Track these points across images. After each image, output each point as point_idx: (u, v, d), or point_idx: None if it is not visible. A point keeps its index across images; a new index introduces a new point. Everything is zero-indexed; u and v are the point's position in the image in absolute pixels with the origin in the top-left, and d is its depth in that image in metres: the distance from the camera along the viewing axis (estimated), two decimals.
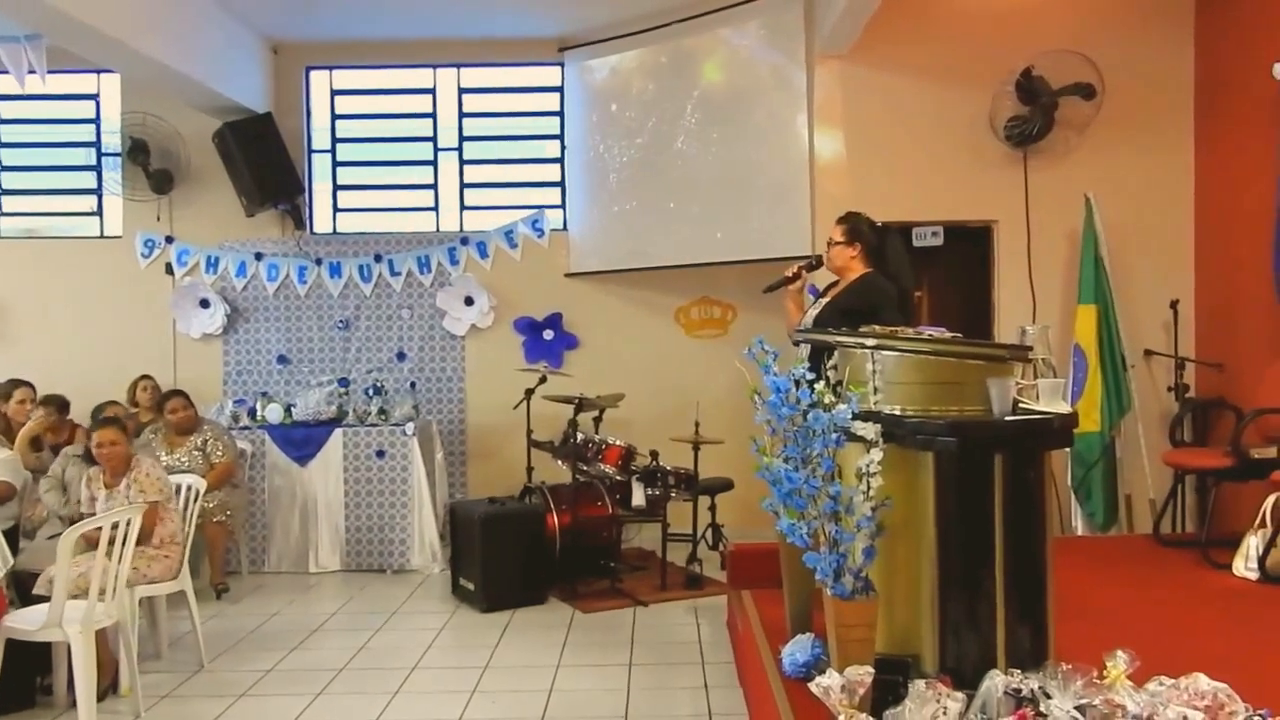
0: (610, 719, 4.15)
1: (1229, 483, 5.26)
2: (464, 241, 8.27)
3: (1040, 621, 2.87)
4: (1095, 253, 6.40)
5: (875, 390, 2.88)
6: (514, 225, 8.27)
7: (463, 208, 8.47)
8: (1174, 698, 2.44)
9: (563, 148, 8.36)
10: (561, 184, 8.39)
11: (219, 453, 6.45)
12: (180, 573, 4.90)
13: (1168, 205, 6.75)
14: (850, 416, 2.77)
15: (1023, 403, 2.91)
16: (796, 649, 3.35)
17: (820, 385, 2.85)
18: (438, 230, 8.41)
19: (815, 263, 4.63)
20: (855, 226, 4.35)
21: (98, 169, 8.40)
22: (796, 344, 4.37)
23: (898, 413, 2.90)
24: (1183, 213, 6.76)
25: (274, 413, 7.38)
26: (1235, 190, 6.26)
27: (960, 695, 2.58)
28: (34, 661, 4.36)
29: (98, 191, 8.43)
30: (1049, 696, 2.45)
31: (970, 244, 6.96)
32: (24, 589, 4.61)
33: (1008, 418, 2.83)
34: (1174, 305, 6.57)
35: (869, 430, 2.75)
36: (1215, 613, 4.29)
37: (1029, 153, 6.71)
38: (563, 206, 8.37)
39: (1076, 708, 2.37)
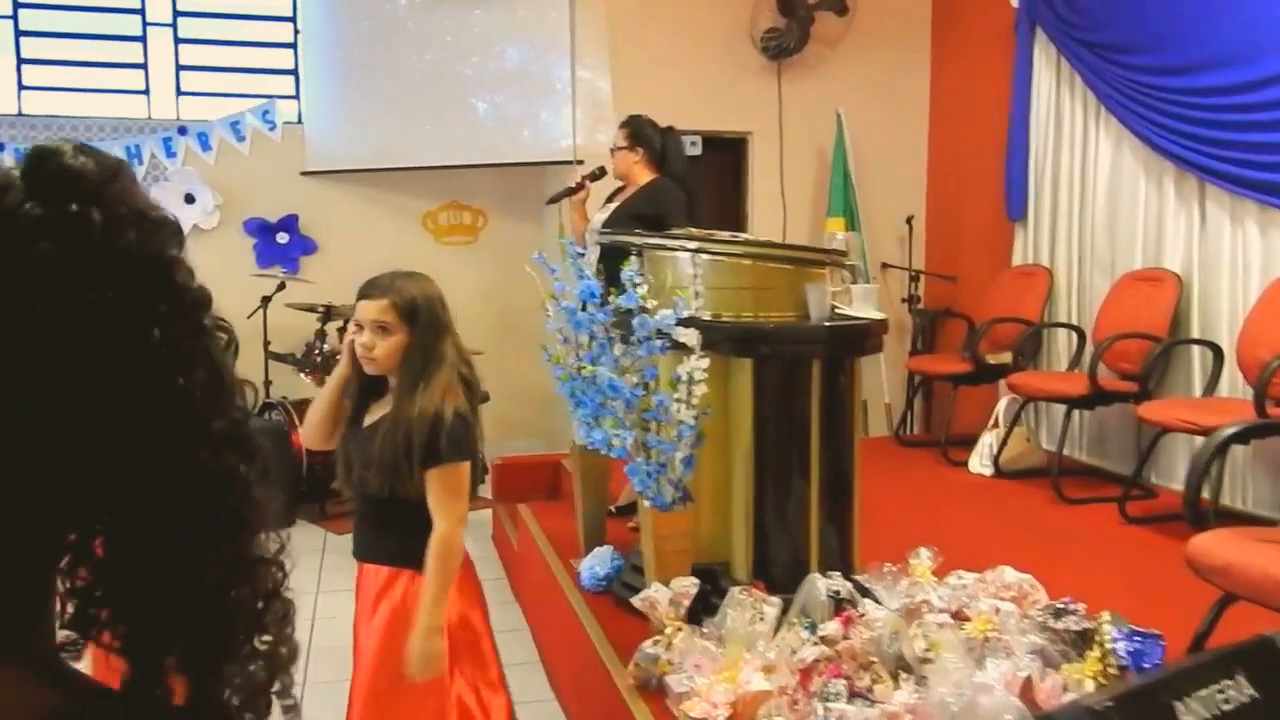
0: None
1: (964, 386, 5.66)
2: (182, 131, 7.39)
3: (847, 525, 2.94)
4: (845, 168, 6.63)
5: (696, 295, 2.79)
6: (241, 116, 7.48)
7: (179, 93, 7.57)
8: (981, 591, 2.57)
9: (296, 32, 7.62)
10: (295, 72, 7.67)
11: None
12: None
13: (905, 124, 7.08)
14: (674, 322, 2.66)
15: (838, 308, 2.92)
16: (595, 562, 3.27)
17: (642, 290, 2.71)
18: (150, 117, 7.48)
19: (599, 172, 4.47)
20: (638, 130, 4.21)
21: None
22: (579, 255, 4.23)
23: (709, 318, 2.83)
24: (918, 132, 7.12)
25: None
26: (968, 111, 6.65)
27: (776, 600, 2.59)
28: None
29: None
30: (865, 596, 2.49)
31: (723, 155, 7.02)
32: None
33: (826, 323, 2.83)
34: (909, 221, 6.95)
35: (690, 336, 2.66)
36: (961, 506, 4.62)
37: (783, 66, 6.81)
38: (297, 98, 7.67)
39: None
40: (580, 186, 4.39)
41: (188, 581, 0.58)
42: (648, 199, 4.07)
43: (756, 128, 6.93)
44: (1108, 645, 2.21)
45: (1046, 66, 5.69)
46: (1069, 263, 5.56)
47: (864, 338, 2.89)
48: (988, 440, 5.13)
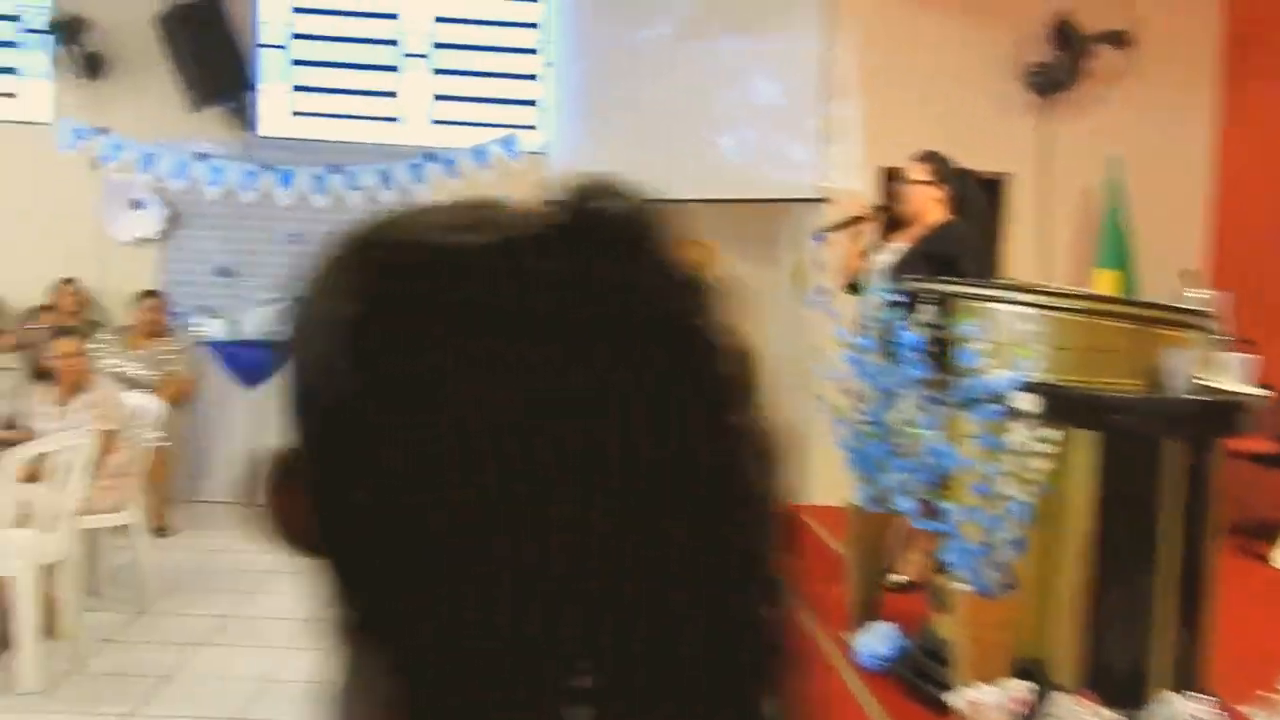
0: None
1: (1267, 469, 5.03)
2: (431, 158, 7.58)
3: (1199, 634, 2.53)
4: (1118, 215, 6.10)
5: (1035, 356, 2.48)
6: (486, 145, 7.62)
7: (432, 121, 7.80)
8: None
9: (544, 64, 7.73)
10: (540, 104, 7.78)
11: (179, 366, 5.85)
12: (130, 504, 4.33)
13: (1183, 169, 6.47)
14: (1018, 385, 2.36)
15: (1201, 379, 2.54)
16: (875, 640, 2.97)
17: (982, 347, 2.42)
18: (403, 144, 7.71)
19: (885, 206, 4.20)
20: (942, 167, 3.94)
21: (22, 46, 7.49)
22: (853, 292, 3.98)
23: (1051, 382, 2.49)
24: (1198, 178, 6.50)
25: (217, 329, 6.73)
26: (1270, 154, 5.98)
27: (1111, 715, 2.23)
28: None
29: (20, 72, 7.52)
30: None
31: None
32: None
33: (1189, 396, 2.46)
34: (1186, 275, 6.31)
35: (1031, 403, 2.35)
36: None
37: (1050, 102, 6.35)
38: (539, 128, 7.76)
39: None
40: (864, 218, 4.13)
41: None
42: (942, 239, 3.77)
43: (1015, 168, 6.48)
44: None
45: None
46: None
47: (1236, 416, 2.50)
48: None
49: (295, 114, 7.73)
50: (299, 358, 0.47)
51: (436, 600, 0.43)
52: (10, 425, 4.41)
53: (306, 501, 0.46)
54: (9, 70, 7.49)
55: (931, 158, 3.96)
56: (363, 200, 7.46)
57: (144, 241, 7.45)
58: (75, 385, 4.13)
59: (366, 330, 0.43)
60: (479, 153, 7.61)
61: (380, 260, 0.45)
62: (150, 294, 6.20)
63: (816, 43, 6.53)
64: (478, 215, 0.46)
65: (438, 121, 7.79)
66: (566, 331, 0.42)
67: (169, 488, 5.89)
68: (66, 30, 7.15)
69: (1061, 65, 6.17)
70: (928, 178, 3.91)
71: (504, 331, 0.42)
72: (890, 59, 6.37)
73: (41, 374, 4.24)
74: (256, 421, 6.48)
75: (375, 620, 0.45)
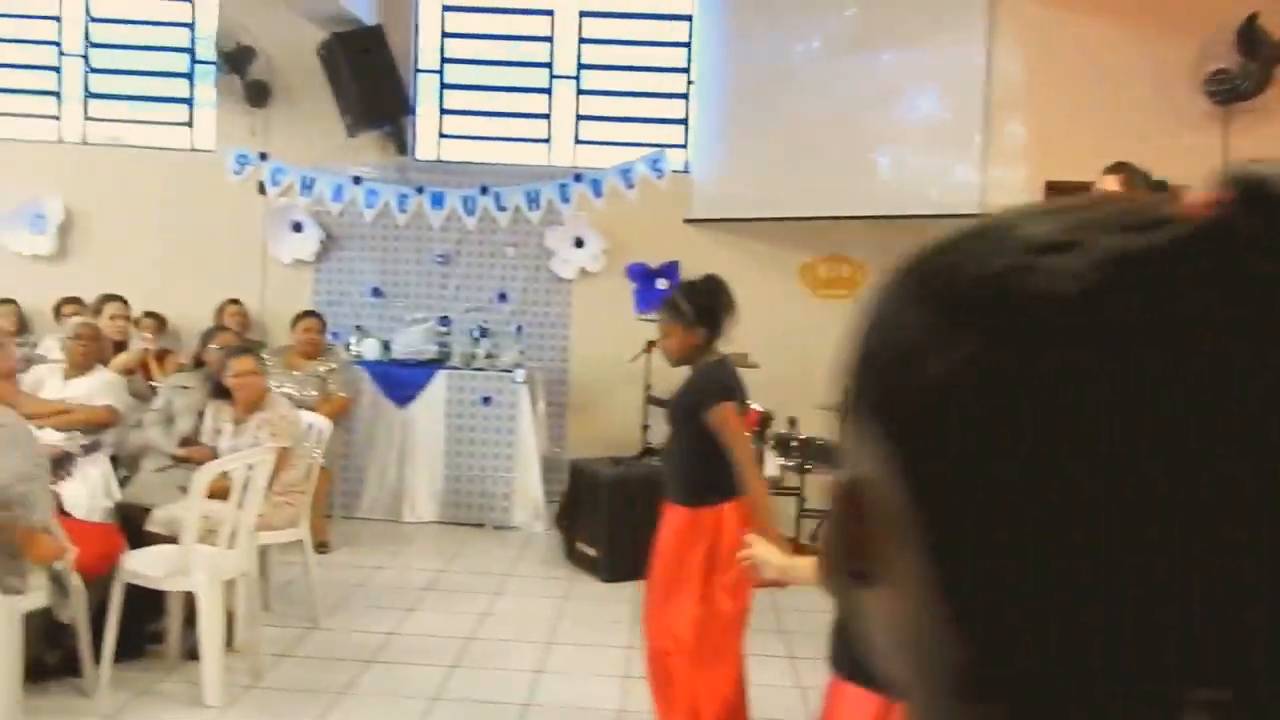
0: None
1: None
2: (577, 179, 7.61)
3: None
4: None
5: None
6: (632, 164, 7.62)
7: (577, 141, 7.86)
8: None
9: (689, 83, 7.70)
10: (685, 122, 7.75)
11: (338, 386, 5.99)
12: (300, 520, 4.42)
13: None
14: None
15: None
16: None
17: None
18: (549, 164, 7.79)
19: None
20: (1135, 179, 3.71)
21: (191, 77, 7.86)
22: None
23: None
24: None
25: (370, 348, 6.88)
26: None
27: None
28: (139, 605, 3.87)
29: (190, 101, 7.88)
30: None
31: None
32: (129, 525, 4.13)
33: None
34: None
35: None
36: None
37: (1233, 113, 6.00)
38: (685, 146, 7.73)
39: None
40: None
41: None
42: None
43: (1190, 182, 6.11)
44: None
45: None
46: None
47: None
48: None
49: (442, 136, 7.89)
50: (904, 381, 0.40)
51: (1083, 655, 0.37)
52: (188, 442, 4.55)
53: (899, 543, 0.41)
54: (183, 100, 7.86)
55: (1124, 168, 3.73)
56: (510, 220, 7.54)
57: (300, 263, 7.70)
58: (252, 403, 4.24)
59: (1020, 349, 0.37)
60: (625, 172, 7.61)
61: (1025, 266, 0.38)
62: (308, 314, 6.36)
63: (980, 55, 6.32)
64: (1114, 217, 0.40)
65: (582, 141, 7.83)
66: (1247, 338, 0.36)
67: (327, 505, 6.02)
68: (233, 61, 7.45)
69: (1247, 72, 5.82)
70: (1121, 189, 3.68)
71: (1178, 339, 0.36)
72: (1058, 69, 6.12)
73: (220, 392, 4.36)
74: (407, 440, 6.59)
75: (995, 675, 0.39)
